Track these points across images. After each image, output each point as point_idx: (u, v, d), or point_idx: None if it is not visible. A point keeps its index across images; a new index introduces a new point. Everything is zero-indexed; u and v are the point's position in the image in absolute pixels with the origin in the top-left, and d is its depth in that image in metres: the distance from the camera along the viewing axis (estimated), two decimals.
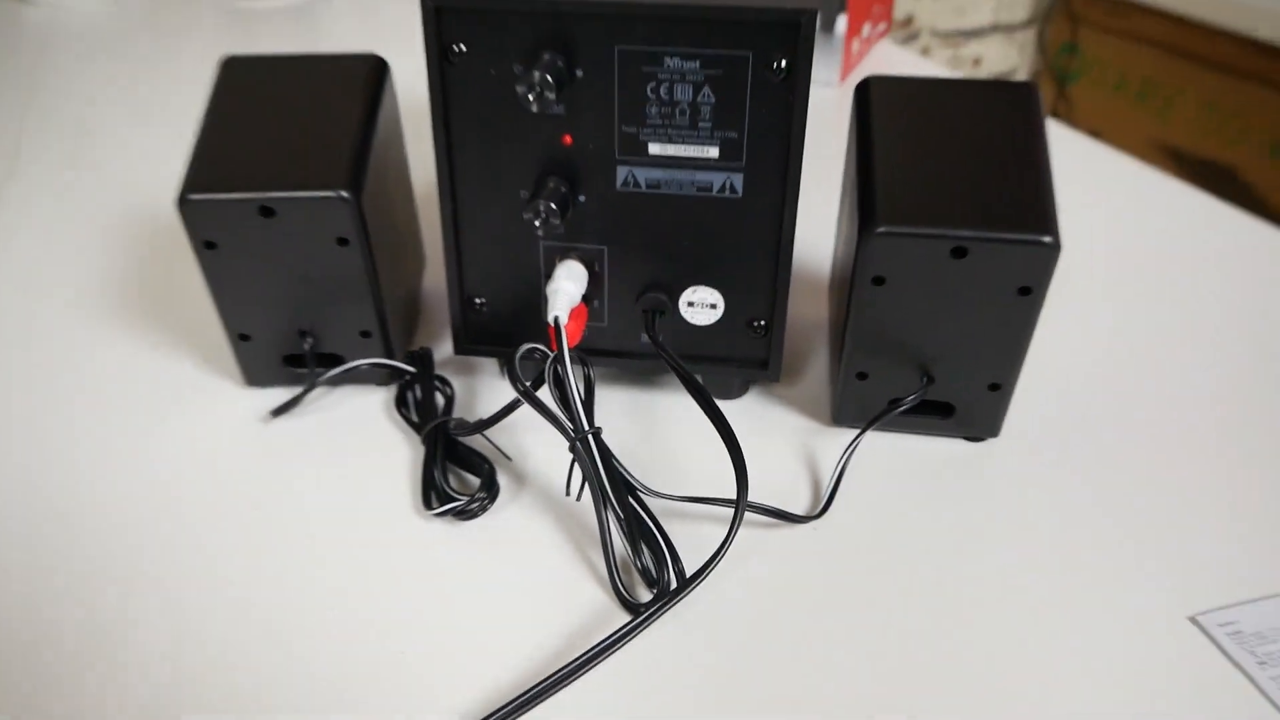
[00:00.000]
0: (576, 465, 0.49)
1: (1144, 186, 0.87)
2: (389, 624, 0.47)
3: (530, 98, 0.49)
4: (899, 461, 0.56)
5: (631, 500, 0.49)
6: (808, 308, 0.69)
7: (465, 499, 0.51)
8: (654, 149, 0.52)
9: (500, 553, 0.50)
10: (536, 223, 0.52)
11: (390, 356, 0.59)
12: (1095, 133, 2.15)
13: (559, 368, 0.49)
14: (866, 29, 1.13)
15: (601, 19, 0.49)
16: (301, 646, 0.46)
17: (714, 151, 0.52)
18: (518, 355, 0.51)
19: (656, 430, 0.58)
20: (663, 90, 0.51)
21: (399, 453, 0.56)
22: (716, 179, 0.53)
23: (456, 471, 0.55)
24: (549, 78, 0.49)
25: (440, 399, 0.59)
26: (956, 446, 0.57)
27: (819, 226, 0.79)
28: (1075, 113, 2.18)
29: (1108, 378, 0.63)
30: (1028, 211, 0.49)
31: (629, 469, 0.50)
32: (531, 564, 0.50)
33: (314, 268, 0.55)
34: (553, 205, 0.52)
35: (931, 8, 2.17)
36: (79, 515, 0.53)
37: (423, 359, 0.60)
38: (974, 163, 0.51)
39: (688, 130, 0.51)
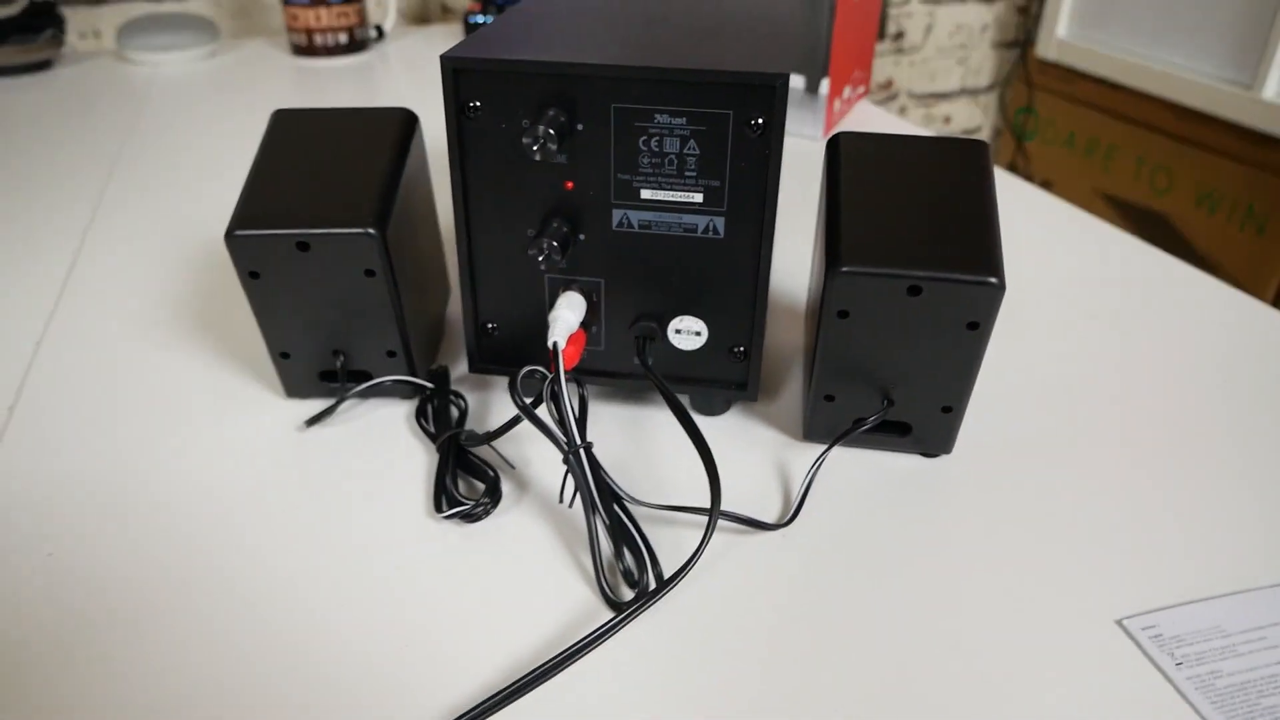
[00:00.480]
0: (569, 476, 0.47)
1: (1085, 232, 0.84)
2: (395, 617, 0.45)
3: (534, 149, 0.47)
4: (862, 474, 0.54)
5: (617, 508, 0.46)
6: (787, 334, 0.67)
7: (471, 504, 0.49)
8: (645, 194, 0.50)
9: (501, 553, 0.48)
10: (540, 259, 0.50)
11: (413, 374, 0.58)
12: (1048, 183, 2.13)
13: (556, 388, 0.47)
14: (847, 91, 1.10)
15: (600, 80, 0.47)
16: (317, 634, 0.44)
17: (699, 197, 0.50)
18: (519, 376, 0.49)
19: (646, 443, 0.56)
20: (653, 143, 0.49)
21: (417, 459, 0.54)
22: (701, 221, 0.50)
23: (467, 478, 0.53)
24: (551, 131, 0.47)
25: (455, 411, 0.57)
26: (913, 462, 0.55)
27: (801, 261, 0.77)
28: (1031, 165, 2.15)
29: (1049, 401, 0.60)
30: (976, 255, 0.46)
31: (616, 479, 0.48)
32: (529, 563, 0.48)
33: (345, 296, 0.53)
34: (554, 244, 0.50)
35: (909, 72, 2.15)
36: (135, 506, 0.51)
37: (441, 376, 0.58)
38: (930, 211, 0.49)
39: (675, 178, 0.49)
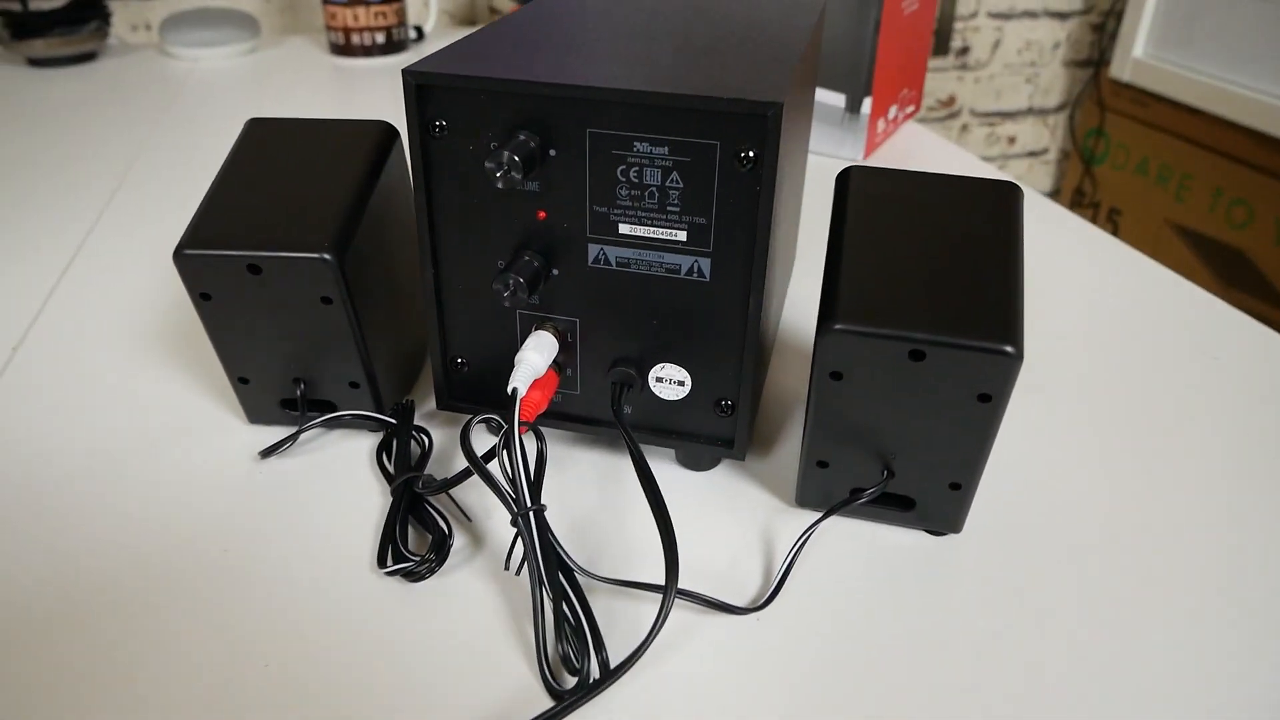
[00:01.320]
0: (519, 539, 0.42)
1: (1144, 276, 0.76)
2: (319, 681, 0.40)
3: (497, 175, 0.42)
4: (857, 550, 0.48)
5: (565, 582, 0.41)
6: (798, 382, 0.61)
7: (415, 560, 0.44)
8: (624, 229, 0.45)
9: (442, 618, 0.43)
10: (504, 295, 0.45)
11: (378, 407, 0.53)
12: (1116, 210, 2.02)
13: (509, 441, 0.42)
14: (893, 111, 1.04)
15: (573, 102, 0.42)
16: (226, 691, 0.39)
17: (682, 235, 0.44)
18: (472, 424, 0.44)
19: (622, 500, 0.51)
20: (632, 173, 0.43)
21: (373, 501, 0.50)
22: (684, 262, 0.45)
23: (420, 529, 0.48)
24: (515, 158, 0.42)
25: (417, 450, 0.53)
26: (917, 539, 0.49)
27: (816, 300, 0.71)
28: (1099, 191, 2.04)
29: (1080, 476, 0.53)
30: (991, 319, 0.40)
31: (584, 539, 0.43)
32: (470, 634, 0.43)
33: (301, 323, 0.49)
34: (520, 280, 0.45)
35: (973, 89, 2.06)
36: (71, 523, 0.47)
37: (405, 411, 0.53)
38: (943, 263, 0.43)
39: (656, 213, 0.44)
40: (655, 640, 0.41)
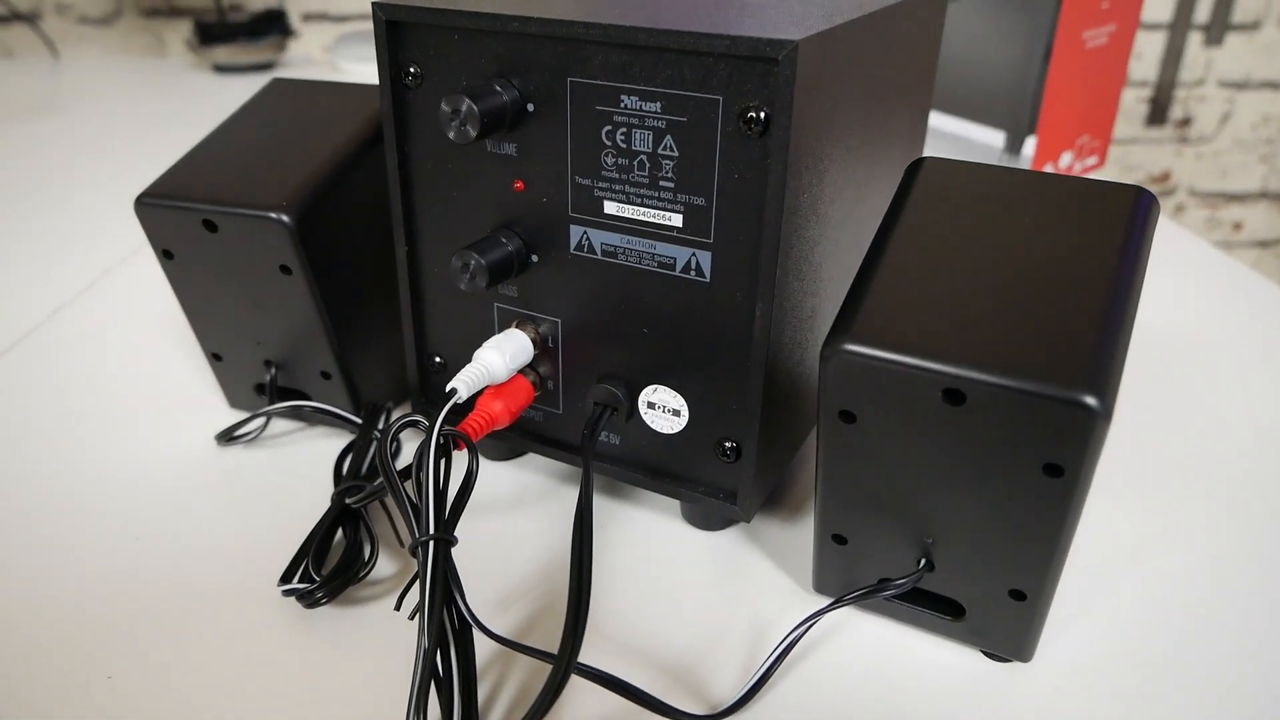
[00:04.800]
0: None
1: None
2: (157, 700, 0.33)
3: (451, 123, 0.34)
4: (883, 662, 0.35)
5: (450, 630, 0.32)
6: None
7: (313, 584, 0.36)
8: (610, 208, 0.36)
9: (327, 654, 0.35)
10: (462, 276, 0.37)
11: (355, 402, 0.46)
12: None
13: (423, 451, 0.34)
14: (1067, 158, 0.89)
15: (551, 44, 0.34)
16: (59, 690, 0.32)
17: (677, 219, 0.35)
18: (394, 426, 0.35)
19: (601, 553, 0.41)
20: (619, 136, 0.34)
21: (319, 511, 0.42)
22: (680, 255, 0.35)
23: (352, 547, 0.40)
24: (475, 106, 0.34)
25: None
26: (969, 661, 0.36)
27: None
28: None
29: (1218, 590, 0.38)
30: (1065, 355, 0.28)
31: (525, 597, 0.33)
32: (347, 680, 0.34)
33: (263, 294, 0.43)
34: (479, 260, 0.37)
35: (1193, 166, 1.82)
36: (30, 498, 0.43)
37: (373, 413, 0.46)
38: (1016, 280, 0.31)
39: (647, 189, 0.35)
40: None
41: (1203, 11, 1.65)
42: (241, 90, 1.25)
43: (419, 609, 0.31)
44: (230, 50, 1.28)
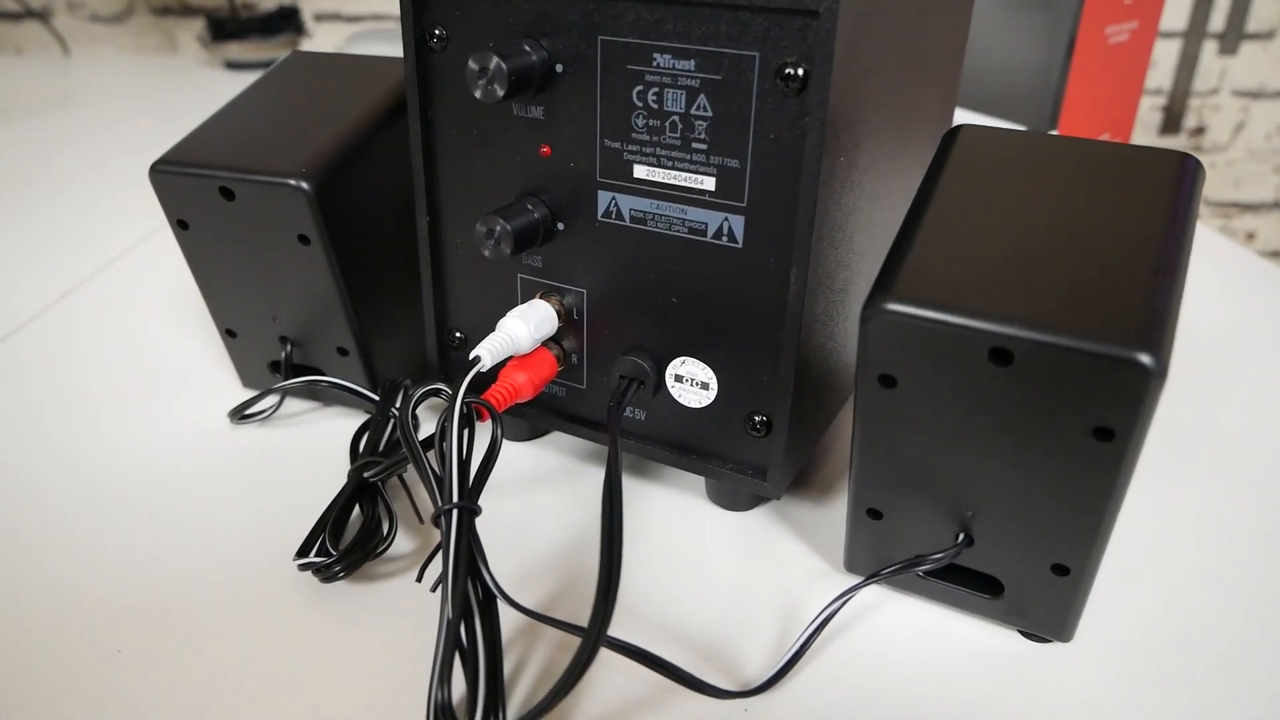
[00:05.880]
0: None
1: None
2: (172, 676, 0.32)
3: (478, 82, 0.33)
4: (915, 640, 0.34)
5: (475, 602, 0.31)
6: None
7: (330, 558, 0.35)
8: (640, 171, 0.35)
9: (346, 631, 0.34)
10: (487, 242, 0.36)
11: (371, 379, 0.45)
12: None
13: (445, 419, 0.33)
14: None
15: (583, 2, 0.33)
16: (69, 667, 0.31)
17: (709, 183, 0.34)
18: (416, 395, 0.35)
19: (626, 531, 0.40)
20: (651, 97, 0.34)
21: (336, 489, 0.41)
22: (712, 220, 0.34)
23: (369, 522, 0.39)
24: (503, 65, 0.33)
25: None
26: (1006, 641, 0.35)
27: None
28: None
29: (1247, 561, 0.37)
30: (1118, 315, 0.27)
31: (550, 573, 0.32)
32: (368, 654, 0.33)
33: (280, 266, 0.42)
34: (506, 226, 0.36)
35: (1207, 175, 1.80)
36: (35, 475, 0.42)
37: (391, 389, 0.45)
38: (1062, 241, 0.30)
39: (679, 152, 0.34)
40: (584, 707, 0.30)
41: (1218, 20, 1.65)
42: (242, 84, 1.24)
43: (441, 579, 0.30)
44: (243, 47, 1.28)
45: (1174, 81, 1.70)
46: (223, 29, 1.28)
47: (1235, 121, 1.76)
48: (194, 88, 1.21)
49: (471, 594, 0.30)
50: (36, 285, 0.62)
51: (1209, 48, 1.67)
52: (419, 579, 0.34)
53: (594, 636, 0.27)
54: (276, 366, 0.47)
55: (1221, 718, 0.31)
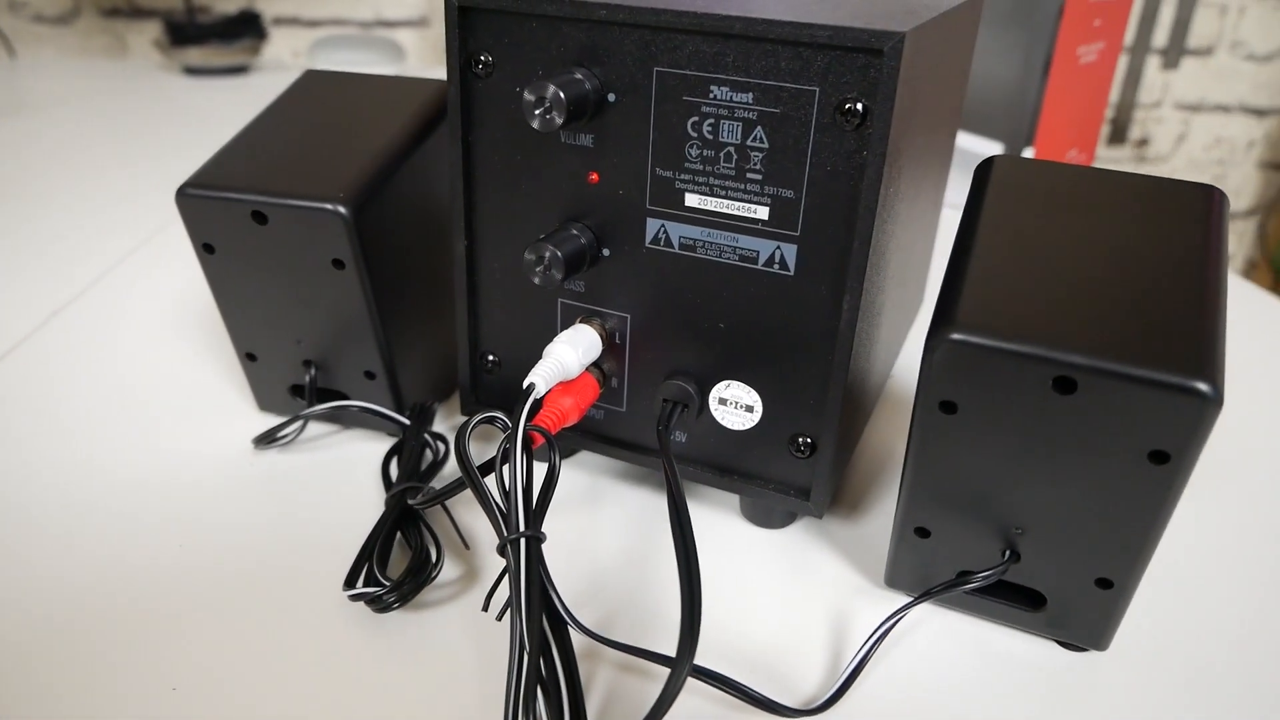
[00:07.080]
0: (506, 575, 0.33)
1: None
2: (226, 712, 0.31)
3: (535, 112, 0.34)
4: (960, 654, 0.36)
5: (550, 633, 0.31)
6: (904, 436, 0.49)
7: (383, 586, 0.35)
8: (691, 200, 0.36)
9: (398, 661, 0.34)
10: (536, 270, 0.37)
11: (398, 404, 0.45)
12: None
13: (508, 447, 0.33)
14: None
15: (637, 31, 0.34)
16: (122, 702, 0.31)
17: (763, 212, 0.35)
18: (471, 424, 0.35)
19: (660, 554, 0.40)
20: (706, 128, 0.34)
21: (370, 514, 0.41)
22: (764, 248, 0.35)
23: (409, 550, 0.39)
24: (561, 94, 0.34)
25: (430, 457, 0.44)
26: (1044, 651, 0.36)
27: None
28: None
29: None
30: (1176, 344, 0.28)
31: (600, 594, 0.33)
32: (430, 687, 0.33)
33: (311, 290, 0.42)
34: (556, 253, 0.36)
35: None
36: (40, 501, 0.41)
37: (421, 413, 0.45)
38: (1111, 272, 0.31)
39: (733, 182, 0.35)
40: None
41: (1161, 36, 1.72)
42: (215, 93, 1.22)
43: (512, 609, 0.31)
44: (203, 52, 1.26)
45: (1120, 94, 1.76)
46: (181, 34, 1.25)
47: (1177, 133, 1.83)
48: (151, 95, 1.18)
49: (546, 622, 0.31)
50: (16, 307, 0.60)
51: (1153, 62, 1.74)
52: (485, 608, 0.34)
53: (684, 666, 0.28)
54: (297, 390, 0.46)
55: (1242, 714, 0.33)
